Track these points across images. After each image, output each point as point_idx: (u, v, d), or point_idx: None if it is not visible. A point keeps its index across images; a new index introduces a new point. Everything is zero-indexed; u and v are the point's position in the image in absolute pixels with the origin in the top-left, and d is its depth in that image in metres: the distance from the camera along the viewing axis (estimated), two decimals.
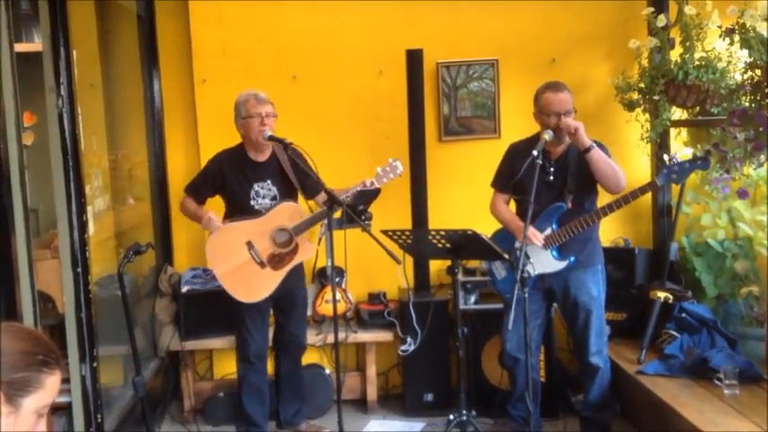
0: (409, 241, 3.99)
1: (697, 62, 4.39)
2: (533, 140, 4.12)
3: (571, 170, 4.10)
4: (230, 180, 4.40)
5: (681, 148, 4.99)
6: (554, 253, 4.12)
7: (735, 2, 3.80)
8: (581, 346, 4.31)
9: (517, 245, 4.06)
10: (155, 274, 5.29)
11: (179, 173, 5.46)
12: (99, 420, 3.83)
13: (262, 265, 4.32)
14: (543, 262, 4.11)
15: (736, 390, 3.94)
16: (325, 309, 5.10)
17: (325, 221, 4.18)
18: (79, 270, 3.69)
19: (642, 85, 4.73)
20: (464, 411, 4.03)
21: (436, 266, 5.22)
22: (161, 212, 5.45)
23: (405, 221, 5.11)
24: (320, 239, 5.11)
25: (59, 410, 4.15)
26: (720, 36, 3.94)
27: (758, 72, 3.81)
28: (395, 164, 4.43)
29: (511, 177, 4.23)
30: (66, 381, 3.88)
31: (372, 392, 5.24)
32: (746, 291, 4.58)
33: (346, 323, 5.16)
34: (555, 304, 4.41)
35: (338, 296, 4.81)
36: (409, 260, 4.92)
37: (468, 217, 4.79)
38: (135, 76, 5.29)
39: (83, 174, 3.77)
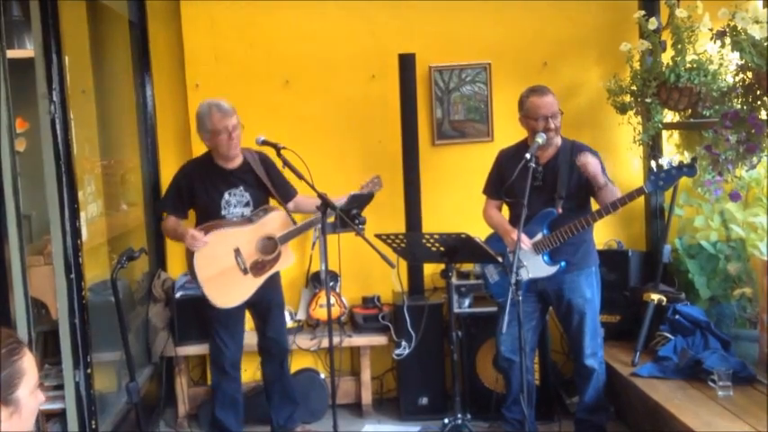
0: (403, 245, 3.99)
1: (688, 65, 4.41)
2: (521, 146, 4.14)
3: (561, 176, 4.10)
4: (200, 191, 4.36)
5: (673, 150, 5.01)
6: (545, 258, 4.13)
7: (726, 4, 3.82)
8: (576, 349, 4.32)
9: (509, 248, 4.06)
10: (148, 279, 5.28)
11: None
12: (93, 427, 3.82)
13: (245, 271, 4.33)
14: (535, 266, 4.12)
15: (729, 391, 3.95)
16: (320, 313, 5.10)
17: (319, 226, 4.18)
18: (72, 276, 3.69)
19: (634, 87, 4.74)
20: (459, 415, 4.03)
21: (430, 270, 5.22)
22: (154, 218, 5.43)
23: (398, 225, 5.11)
24: (314, 244, 5.12)
25: (54, 417, 4.14)
26: (712, 39, 3.95)
27: (750, 74, 3.82)
28: (376, 180, 4.48)
29: (500, 183, 4.26)
30: (60, 387, 3.87)
31: (367, 397, 5.24)
32: (739, 292, 4.59)
33: (341, 327, 5.16)
34: (551, 307, 4.41)
35: (332, 300, 4.82)
36: (403, 264, 4.94)
37: (462, 220, 4.79)
38: (127, 82, 5.28)
39: (75, 180, 3.76)
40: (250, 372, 5.14)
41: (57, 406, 4.08)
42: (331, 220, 4.21)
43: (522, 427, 4.27)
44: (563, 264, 4.11)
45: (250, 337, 4.77)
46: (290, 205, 4.51)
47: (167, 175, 5.43)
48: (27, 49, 4.13)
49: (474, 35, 5.31)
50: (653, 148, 5.03)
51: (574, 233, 4.02)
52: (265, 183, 4.40)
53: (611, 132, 5.08)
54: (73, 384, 3.72)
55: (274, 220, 4.37)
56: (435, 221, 5.11)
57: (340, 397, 5.18)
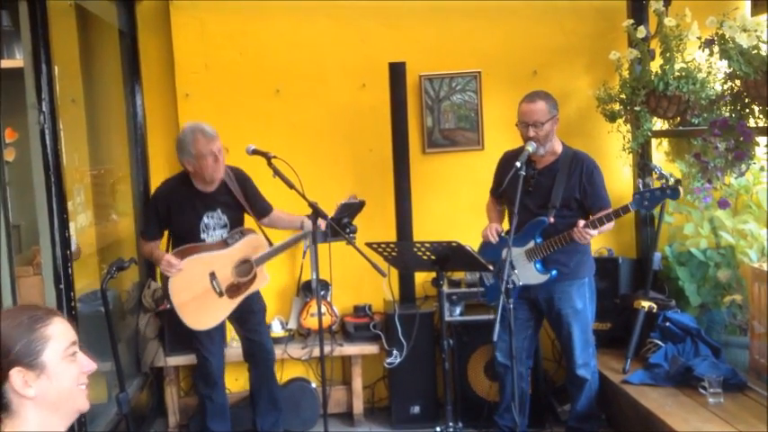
0: (394, 254, 3.99)
1: (677, 73, 4.43)
2: (522, 151, 4.15)
3: (557, 186, 4.09)
4: (177, 214, 4.37)
5: (663, 158, 5.03)
6: (538, 266, 4.13)
7: (714, 13, 3.84)
8: (567, 358, 4.33)
9: (503, 254, 4.05)
10: (138, 289, 5.25)
11: None
12: None
13: (220, 294, 4.36)
14: (527, 274, 4.12)
15: (720, 398, 3.96)
16: (311, 322, 5.09)
17: (310, 237, 4.19)
18: (62, 287, 3.66)
19: (623, 96, 4.76)
20: (451, 423, 4.04)
21: (421, 278, 5.22)
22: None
23: (389, 234, 5.11)
24: (305, 253, 5.11)
25: None
26: (700, 47, 3.98)
27: (738, 82, 3.85)
28: (355, 200, 4.47)
29: (499, 185, 4.26)
30: None
31: (359, 405, 5.22)
32: (729, 299, 4.61)
33: (332, 336, 5.15)
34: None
35: (323, 309, 4.80)
36: (394, 272, 4.94)
37: (453, 229, 4.80)
38: (117, 92, 5.27)
39: (65, 190, 3.75)
40: (241, 381, 5.13)
41: None
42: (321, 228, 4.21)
43: None
44: (554, 272, 4.11)
45: (234, 348, 4.80)
46: (265, 221, 4.56)
47: (157, 184, 5.39)
48: (16, 59, 4.12)
49: (464, 44, 5.33)
50: (642, 156, 5.05)
51: (561, 245, 4.02)
52: (241, 202, 4.42)
53: (600, 140, 5.10)
54: None
55: (250, 243, 4.42)
56: (426, 230, 5.11)
57: (331, 406, 5.18)
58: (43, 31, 3.61)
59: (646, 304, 4.59)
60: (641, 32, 4.57)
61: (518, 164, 3.86)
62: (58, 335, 1.90)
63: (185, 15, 5.25)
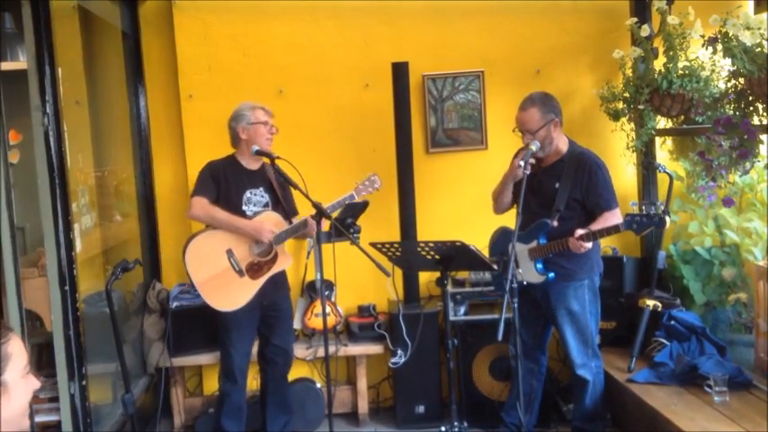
0: (398, 253, 3.99)
1: (681, 71, 4.42)
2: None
3: (561, 188, 4.07)
4: (227, 184, 4.36)
5: (667, 156, 5.02)
6: (539, 266, 4.12)
7: (717, 11, 3.84)
8: (567, 359, 4.33)
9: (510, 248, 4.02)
10: (143, 290, 5.27)
11: (166, 189, 5.46)
12: None
13: (240, 273, 4.29)
14: (529, 272, 4.13)
15: (725, 396, 3.95)
16: (315, 322, 5.09)
17: (314, 235, 4.18)
18: (67, 288, 3.68)
19: (627, 94, 4.76)
20: (456, 423, 4.03)
21: (425, 278, 5.22)
22: (148, 228, 5.43)
23: (393, 234, 5.11)
24: (309, 253, 5.11)
25: (49, 429, 4.13)
26: (703, 45, 3.97)
27: (741, 80, 3.84)
28: (373, 178, 4.42)
29: None
30: (55, 399, 3.86)
31: (363, 406, 5.23)
32: (734, 297, 4.60)
33: (336, 336, 5.16)
34: None
35: (328, 309, 4.81)
36: (398, 272, 4.94)
37: (457, 228, 4.81)
38: (121, 93, 5.28)
39: (69, 191, 3.76)
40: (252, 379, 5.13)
41: (52, 418, 4.08)
42: (326, 228, 4.21)
43: None
44: (551, 275, 4.10)
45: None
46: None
47: (161, 185, 5.45)
48: (20, 61, 4.13)
49: (467, 43, 5.33)
50: (646, 155, 5.04)
51: (559, 250, 4.00)
52: (276, 190, 4.42)
53: (604, 139, 5.09)
54: (68, 396, 3.70)
55: (266, 221, 4.33)
56: (430, 229, 5.11)
57: (336, 406, 5.18)
58: (46, 32, 3.62)
59: (651, 303, 4.58)
60: (645, 31, 4.56)
61: (522, 163, 3.86)
62: (16, 353, 1.87)
63: (188, 16, 5.26)
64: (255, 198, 4.38)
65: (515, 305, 3.68)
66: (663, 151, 5.08)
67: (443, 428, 4.08)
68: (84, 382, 3.76)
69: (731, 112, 3.99)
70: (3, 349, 1.84)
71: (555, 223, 4.03)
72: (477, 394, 4.96)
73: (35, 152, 3.65)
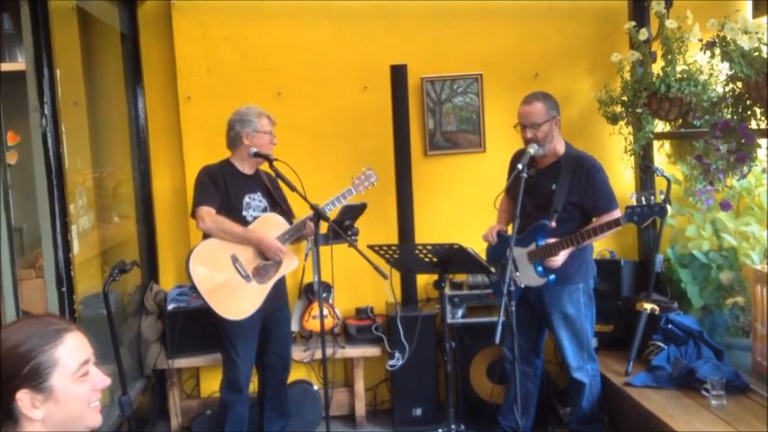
0: (396, 256, 3.99)
1: (679, 75, 4.43)
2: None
3: (559, 189, 4.07)
4: (227, 189, 4.30)
5: (665, 160, 5.03)
6: (539, 269, 4.11)
7: (715, 15, 3.84)
8: (563, 361, 4.33)
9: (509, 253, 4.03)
10: (140, 292, 5.26)
11: (164, 190, 5.45)
12: None
13: (247, 278, 4.23)
14: (528, 275, 4.12)
15: (723, 400, 3.95)
16: (313, 324, 5.09)
17: (312, 237, 4.17)
18: (64, 289, 3.67)
19: (625, 98, 4.76)
20: (453, 426, 4.03)
21: (423, 281, 5.22)
22: (146, 230, 5.43)
23: (391, 236, 5.11)
24: (307, 255, 5.11)
25: None
26: (701, 49, 3.98)
27: (739, 84, 3.84)
28: (368, 172, 4.43)
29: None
30: None
31: (361, 408, 5.22)
32: (732, 301, 4.60)
33: (334, 339, 5.16)
34: None
35: (325, 312, 4.80)
36: (396, 275, 4.94)
37: (455, 231, 4.81)
38: (119, 95, 5.28)
39: (67, 192, 3.76)
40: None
41: None
42: (324, 230, 4.21)
43: None
44: (552, 277, 4.09)
45: None
46: None
47: (159, 187, 5.45)
48: (18, 62, 4.13)
49: (465, 46, 5.33)
50: (644, 158, 5.05)
51: (557, 251, 4.01)
52: (272, 192, 4.41)
53: (602, 143, 5.10)
54: None
55: (267, 223, 4.31)
56: (428, 232, 5.11)
57: (333, 408, 5.18)
58: (45, 34, 3.62)
59: (648, 306, 4.58)
60: (643, 34, 4.57)
61: (519, 166, 3.86)
62: (69, 355, 1.85)
63: (187, 18, 5.26)
64: (254, 203, 4.36)
65: (513, 308, 3.68)
66: (661, 155, 5.08)
67: (440, 431, 4.08)
68: None
69: (729, 115, 3.99)
70: (49, 354, 1.82)
71: (553, 224, 4.03)
72: (474, 397, 4.96)
73: (33, 153, 3.65)
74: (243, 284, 4.22)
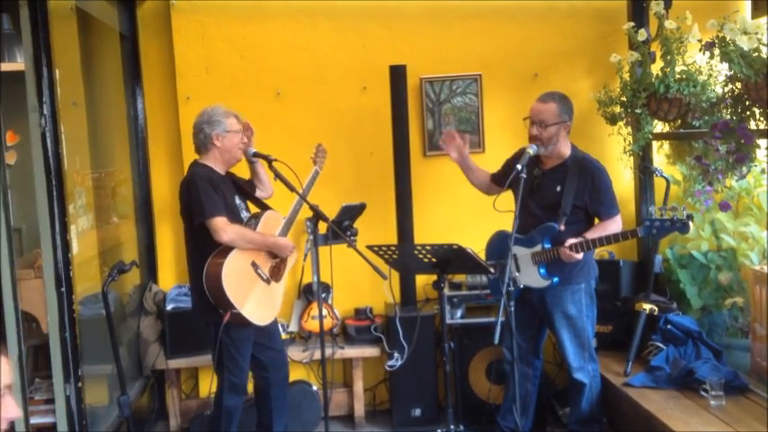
0: (395, 256, 3.99)
1: (678, 75, 4.43)
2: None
3: (566, 192, 4.05)
4: (223, 193, 4.18)
5: (664, 160, 5.03)
6: (542, 270, 4.10)
7: (714, 16, 3.84)
8: (564, 362, 4.33)
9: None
10: (139, 292, 5.26)
11: (163, 190, 5.45)
12: None
13: (267, 281, 4.21)
14: (530, 276, 4.11)
15: (722, 401, 3.95)
16: (312, 325, 5.09)
17: (311, 238, 4.17)
18: (63, 289, 3.67)
19: (624, 98, 4.76)
20: (452, 426, 4.03)
21: (422, 281, 5.22)
22: (145, 230, 5.43)
23: (390, 237, 5.11)
24: (306, 255, 5.11)
25: (44, 431, 4.12)
26: (701, 50, 3.97)
27: (738, 85, 3.85)
28: (320, 147, 4.52)
29: (503, 175, 4.28)
30: (50, 401, 3.86)
31: (360, 408, 5.23)
32: (731, 302, 4.61)
33: (333, 339, 5.16)
34: None
35: (324, 312, 4.80)
36: (395, 275, 4.94)
37: (454, 231, 4.81)
38: (118, 95, 5.28)
39: (66, 193, 3.75)
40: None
41: (47, 420, 4.07)
42: (323, 231, 4.21)
43: None
44: (555, 279, 4.09)
45: None
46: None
47: (158, 187, 5.44)
48: (18, 63, 4.12)
49: (464, 47, 5.33)
50: (643, 159, 5.05)
51: (552, 257, 4.00)
52: (247, 192, 4.38)
53: (601, 143, 5.10)
54: (63, 398, 3.69)
55: (268, 221, 4.28)
56: (427, 232, 5.12)
57: (332, 409, 5.18)
58: (44, 34, 3.61)
59: (647, 307, 4.58)
60: (642, 35, 4.57)
61: (519, 166, 3.85)
62: None
63: (186, 18, 5.26)
64: (239, 204, 4.33)
65: (512, 309, 3.68)
66: (660, 155, 5.09)
67: (439, 431, 4.08)
68: (79, 384, 3.75)
69: (728, 116, 3.99)
70: None
71: (562, 227, 4.01)
72: (473, 397, 4.96)
73: (32, 153, 3.64)
74: (266, 288, 4.20)
